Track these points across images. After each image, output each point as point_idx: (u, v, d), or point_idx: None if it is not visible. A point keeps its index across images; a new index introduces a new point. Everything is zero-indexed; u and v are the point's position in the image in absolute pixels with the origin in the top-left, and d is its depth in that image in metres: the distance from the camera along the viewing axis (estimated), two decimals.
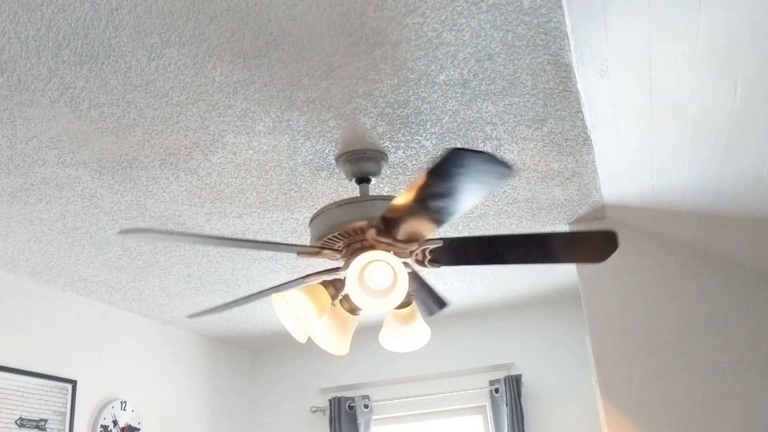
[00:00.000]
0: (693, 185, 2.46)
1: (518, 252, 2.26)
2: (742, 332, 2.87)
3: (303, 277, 2.26)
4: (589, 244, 2.26)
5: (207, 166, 2.45)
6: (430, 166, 1.63)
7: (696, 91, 1.88)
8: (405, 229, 1.98)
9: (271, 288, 2.35)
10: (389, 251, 2.08)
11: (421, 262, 2.25)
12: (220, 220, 2.88)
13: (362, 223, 2.12)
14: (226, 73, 1.94)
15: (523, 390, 4.39)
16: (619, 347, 3.00)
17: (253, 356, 5.20)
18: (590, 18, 1.76)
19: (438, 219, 1.91)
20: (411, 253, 2.20)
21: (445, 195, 1.77)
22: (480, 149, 2.00)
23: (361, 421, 4.58)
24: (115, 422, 3.75)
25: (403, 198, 1.81)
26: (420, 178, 1.70)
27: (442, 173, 1.66)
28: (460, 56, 1.93)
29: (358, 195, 2.35)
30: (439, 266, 2.28)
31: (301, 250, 2.21)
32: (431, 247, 2.19)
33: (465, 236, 2.25)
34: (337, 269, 2.27)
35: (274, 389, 5.05)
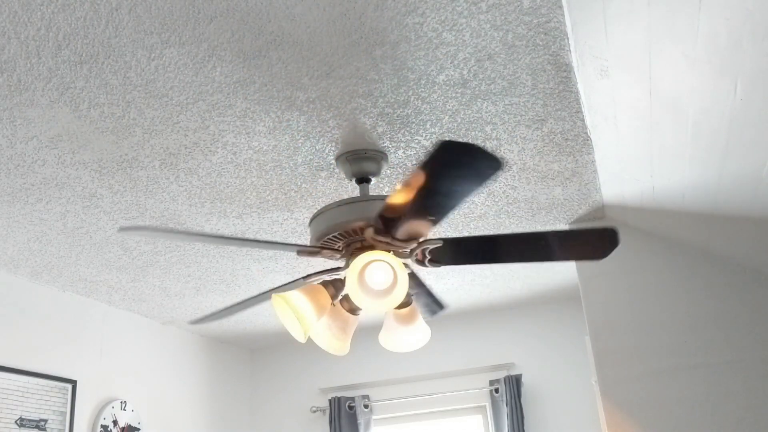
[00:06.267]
0: (693, 185, 2.46)
1: (517, 251, 2.25)
2: (742, 332, 2.87)
3: (304, 277, 2.26)
4: (590, 241, 2.24)
5: (207, 166, 2.45)
6: (422, 161, 1.64)
7: (696, 91, 1.88)
8: (403, 228, 1.98)
9: (272, 289, 2.35)
10: (389, 251, 2.09)
11: (421, 262, 2.25)
12: (220, 220, 2.88)
13: (361, 223, 2.12)
14: (226, 73, 1.94)
15: (523, 390, 4.39)
16: (619, 347, 3.00)
17: (253, 356, 5.20)
18: (590, 18, 1.76)
19: (434, 217, 1.91)
20: (411, 252, 2.20)
21: (439, 191, 1.77)
22: (468, 142, 1.98)
23: (361, 421, 4.58)
24: (115, 422, 3.75)
25: (398, 196, 1.81)
26: (414, 175, 1.70)
27: (435, 168, 1.66)
28: (460, 56, 1.93)
29: (358, 195, 2.35)
30: (439, 266, 2.28)
31: (301, 250, 2.21)
32: (431, 247, 2.19)
33: (464, 236, 2.25)
34: (337, 269, 2.27)
35: (274, 389, 5.05)
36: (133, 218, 2.81)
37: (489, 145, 2.43)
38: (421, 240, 2.14)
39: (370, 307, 2.02)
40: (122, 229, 1.93)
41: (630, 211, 3.01)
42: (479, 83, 2.06)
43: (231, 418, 4.83)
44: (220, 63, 1.89)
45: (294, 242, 3.14)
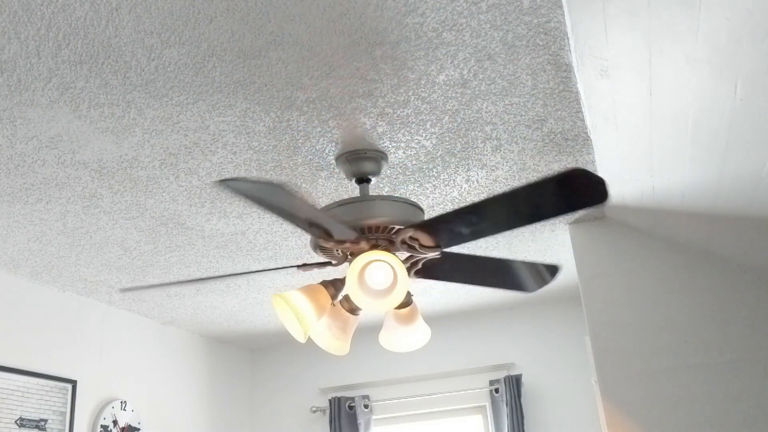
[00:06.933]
0: (693, 185, 2.46)
1: (498, 217, 1.96)
2: (742, 332, 2.87)
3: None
4: (572, 188, 1.78)
5: (207, 166, 2.45)
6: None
7: (696, 91, 1.88)
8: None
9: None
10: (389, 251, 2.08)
11: (413, 248, 2.14)
12: (220, 220, 2.88)
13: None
14: (226, 73, 1.94)
15: (523, 390, 4.39)
16: (619, 347, 3.00)
17: (253, 356, 5.20)
18: (590, 18, 1.76)
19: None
20: (400, 242, 2.16)
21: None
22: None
23: (361, 421, 4.58)
24: (115, 422, 3.75)
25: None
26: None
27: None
28: (460, 56, 1.93)
29: (358, 195, 2.35)
30: (437, 251, 2.16)
31: (302, 268, 2.22)
32: (410, 234, 2.11)
33: (440, 214, 2.08)
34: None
35: (274, 389, 5.05)
36: (133, 218, 2.81)
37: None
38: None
39: (370, 307, 2.02)
40: (123, 290, 1.93)
41: (630, 211, 3.01)
42: (479, 83, 2.06)
43: (231, 418, 4.83)
44: (220, 63, 1.89)
45: (293, 245, 3.15)
